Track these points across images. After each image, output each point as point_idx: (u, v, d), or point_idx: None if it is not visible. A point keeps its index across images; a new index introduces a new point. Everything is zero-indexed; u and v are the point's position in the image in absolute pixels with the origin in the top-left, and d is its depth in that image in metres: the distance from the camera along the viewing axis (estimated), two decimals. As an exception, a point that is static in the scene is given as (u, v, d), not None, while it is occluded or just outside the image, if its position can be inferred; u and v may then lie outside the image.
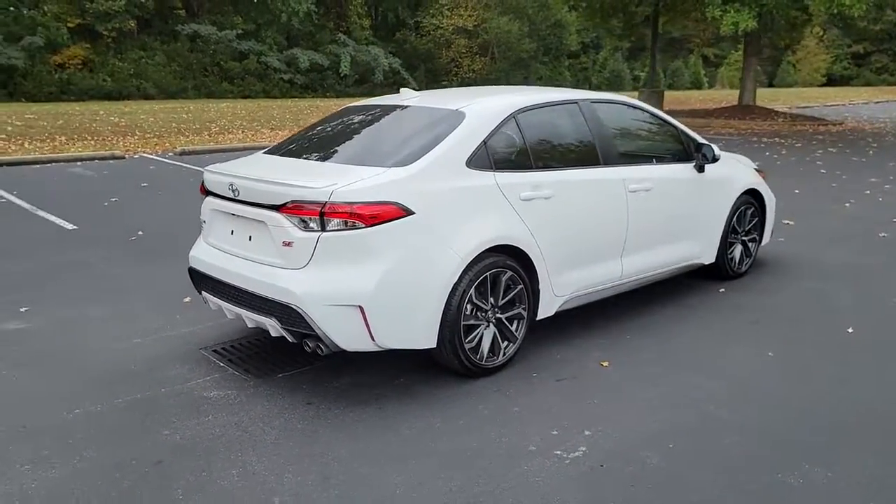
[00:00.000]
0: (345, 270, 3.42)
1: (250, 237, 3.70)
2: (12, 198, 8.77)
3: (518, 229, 3.94)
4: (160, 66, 32.41)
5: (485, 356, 3.87)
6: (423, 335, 3.60)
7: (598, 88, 47.99)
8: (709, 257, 5.38)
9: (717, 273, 5.56)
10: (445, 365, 3.83)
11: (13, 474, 2.92)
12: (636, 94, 26.21)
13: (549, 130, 4.45)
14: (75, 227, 7.31)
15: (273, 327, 3.61)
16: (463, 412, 3.50)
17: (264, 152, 4.34)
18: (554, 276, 4.19)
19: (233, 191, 3.73)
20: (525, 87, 5.10)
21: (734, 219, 5.50)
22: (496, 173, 3.92)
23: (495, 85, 41.85)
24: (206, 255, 3.98)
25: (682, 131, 5.20)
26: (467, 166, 3.82)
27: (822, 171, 11.52)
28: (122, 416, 3.45)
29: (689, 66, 54.06)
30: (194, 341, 4.38)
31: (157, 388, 3.75)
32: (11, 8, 30.45)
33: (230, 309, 3.85)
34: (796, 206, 8.53)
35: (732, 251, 5.59)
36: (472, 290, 3.73)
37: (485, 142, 3.93)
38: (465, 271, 3.67)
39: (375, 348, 3.53)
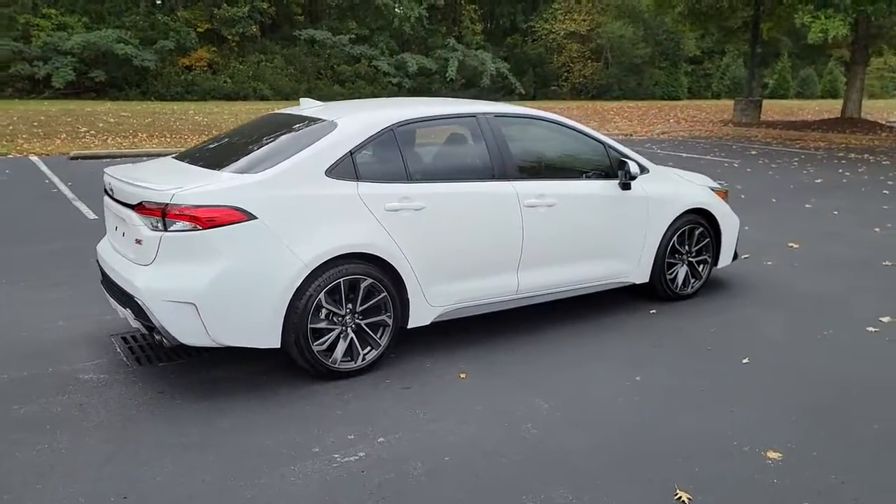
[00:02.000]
0: (183, 269, 3.68)
1: (123, 233, 4.04)
2: (63, 188, 9.77)
3: (380, 239, 4.04)
4: (278, 70, 34.31)
5: (339, 360, 4.01)
6: (263, 335, 3.80)
7: (717, 96, 45.89)
8: (640, 277, 5.22)
9: (655, 293, 5.39)
10: (300, 365, 4.01)
11: None
12: (731, 102, 24.90)
13: (434, 144, 4.51)
14: (96, 217, 8.06)
15: (131, 319, 3.93)
16: (289, 411, 3.66)
17: (173, 157, 4.68)
18: (427, 287, 4.25)
19: (110, 190, 4.10)
20: (431, 99, 5.15)
21: (674, 239, 5.30)
22: (360, 183, 4.04)
23: (609, 90, 41.17)
24: (103, 249, 4.37)
25: (610, 147, 5.07)
26: (327, 175, 3.97)
27: (886, 192, 10.59)
28: (3, 388, 3.87)
29: (825, 73, 50.58)
30: (112, 328, 4.78)
31: (45, 367, 4.15)
32: (153, 15, 33.32)
33: (110, 300, 4.21)
34: (820, 228, 7.97)
35: (673, 272, 5.38)
36: (321, 295, 3.88)
37: (351, 153, 4.07)
38: (310, 276, 3.83)
39: (213, 344, 3.77)
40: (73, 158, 12.17)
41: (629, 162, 4.95)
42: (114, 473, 3.06)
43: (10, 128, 15.10)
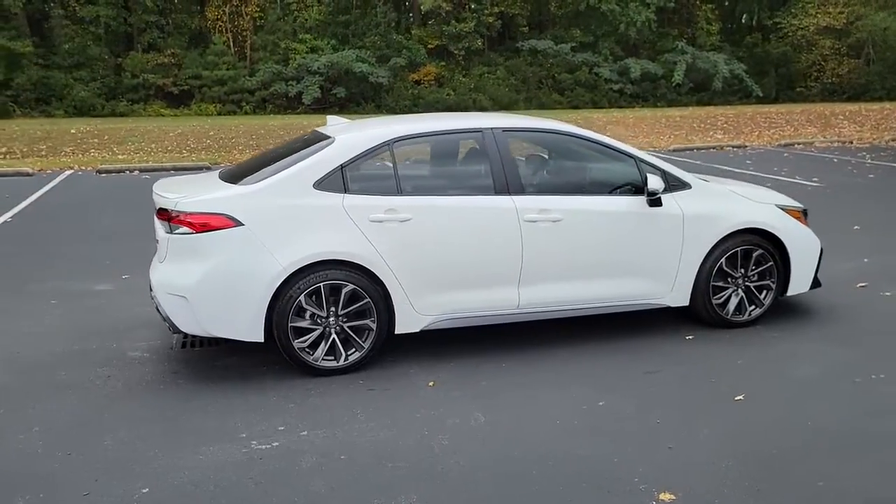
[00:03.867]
0: (180, 266, 4.26)
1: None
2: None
3: (361, 248, 4.30)
4: (500, 80, 35.38)
5: (320, 358, 4.34)
6: (246, 329, 4.25)
7: None
8: (676, 300, 4.87)
9: (707, 319, 4.97)
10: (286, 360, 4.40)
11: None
12: None
13: (430, 159, 4.65)
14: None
15: (156, 308, 4.60)
16: (252, 399, 4.06)
17: (217, 172, 5.23)
18: (414, 296, 4.42)
19: (153, 199, 4.83)
20: (446, 114, 5.24)
21: (722, 261, 4.85)
22: (347, 195, 4.34)
23: (868, 90, 36.55)
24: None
25: (641, 162, 4.79)
26: (315, 188, 4.32)
27: None
28: (68, 357, 4.71)
29: None
30: (184, 315, 5.57)
31: (110, 342, 4.97)
32: (390, 34, 36.23)
33: None
34: None
35: (722, 297, 4.92)
36: (301, 297, 4.24)
37: (342, 167, 4.38)
38: (290, 279, 4.21)
39: (205, 333, 4.31)
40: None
41: (650, 177, 4.64)
42: (80, 434, 3.68)
43: (233, 140, 17.57)
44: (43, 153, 15.18)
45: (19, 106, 30.04)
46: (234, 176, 4.68)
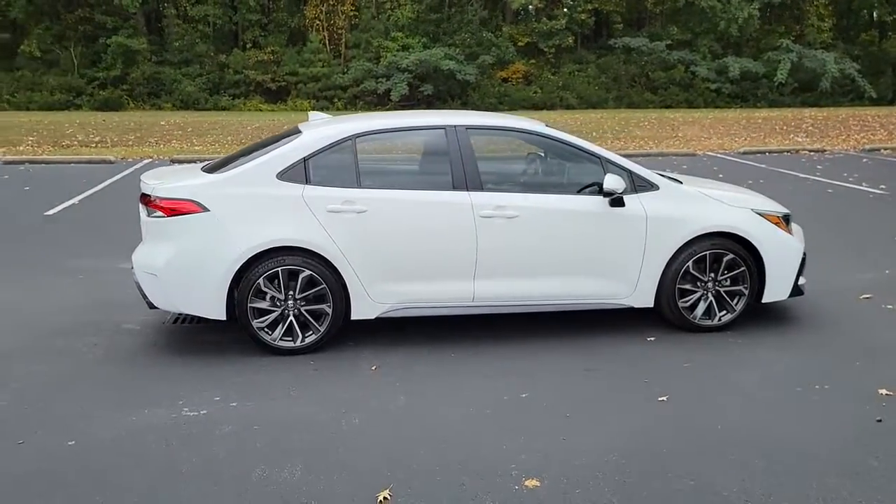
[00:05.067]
0: (155, 247, 4.64)
1: (147, 219, 5.15)
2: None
3: (317, 236, 4.54)
4: (590, 79, 34.86)
5: (278, 338, 4.61)
6: (210, 307, 4.58)
7: None
8: (639, 301, 4.84)
9: (674, 322, 4.91)
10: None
11: (-26, 340, 4.97)
12: None
13: (392, 154, 4.80)
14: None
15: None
16: (208, 372, 4.39)
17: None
18: (369, 284, 4.62)
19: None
20: (416, 112, 5.35)
21: (689, 264, 4.77)
22: (307, 186, 4.58)
23: None
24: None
25: (608, 162, 4.77)
26: (278, 178, 4.60)
27: None
28: (71, 327, 5.18)
29: None
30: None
31: (111, 315, 5.43)
32: (485, 33, 36.42)
33: None
34: None
35: (689, 300, 4.84)
36: (261, 280, 4.53)
37: (305, 159, 4.63)
38: (249, 263, 4.50)
39: (175, 309, 4.69)
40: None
41: (608, 176, 4.62)
42: (47, 392, 4.10)
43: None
44: (130, 143, 16.39)
45: (133, 99, 32.30)
46: (214, 167, 5.03)
